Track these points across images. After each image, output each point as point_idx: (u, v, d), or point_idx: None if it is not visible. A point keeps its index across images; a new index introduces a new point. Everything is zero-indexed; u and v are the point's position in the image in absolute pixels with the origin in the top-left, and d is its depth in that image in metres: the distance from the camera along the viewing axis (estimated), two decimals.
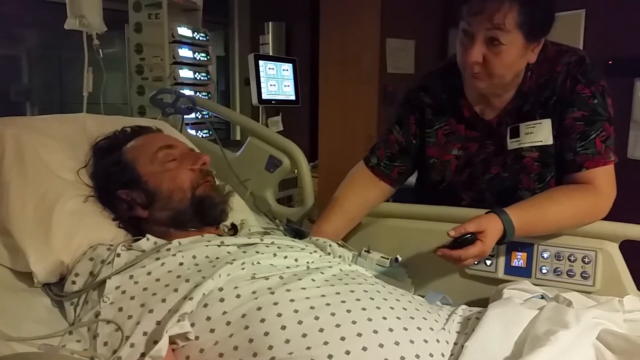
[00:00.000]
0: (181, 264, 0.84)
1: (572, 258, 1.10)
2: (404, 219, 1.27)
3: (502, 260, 1.14)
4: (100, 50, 1.83)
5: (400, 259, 1.16)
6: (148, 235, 0.92)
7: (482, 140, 1.18)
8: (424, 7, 3.08)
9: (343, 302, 0.76)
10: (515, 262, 1.14)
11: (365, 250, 1.21)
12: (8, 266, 0.87)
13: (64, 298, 0.84)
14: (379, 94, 3.01)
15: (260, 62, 2.85)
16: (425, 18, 3.11)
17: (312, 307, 0.74)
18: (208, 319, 0.75)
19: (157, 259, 0.84)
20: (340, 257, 1.05)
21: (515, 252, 1.14)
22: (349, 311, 0.74)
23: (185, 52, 2.29)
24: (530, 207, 1.05)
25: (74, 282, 0.85)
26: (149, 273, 0.82)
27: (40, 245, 0.86)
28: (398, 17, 2.98)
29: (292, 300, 0.75)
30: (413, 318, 0.76)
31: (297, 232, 1.29)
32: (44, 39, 3.84)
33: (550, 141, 1.11)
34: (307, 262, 0.90)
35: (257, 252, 0.90)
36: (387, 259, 1.17)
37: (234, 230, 1.09)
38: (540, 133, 1.11)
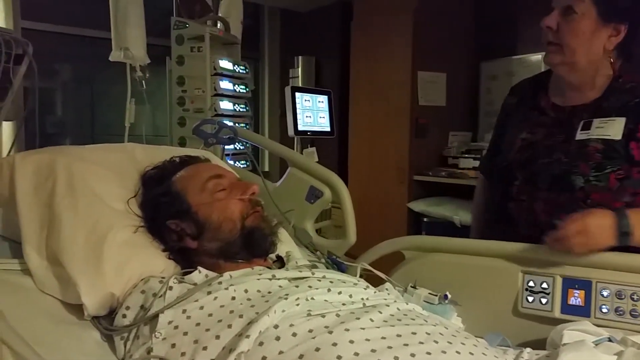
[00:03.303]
0: (233, 298, 0.81)
1: (635, 297, 1.03)
2: (453, 253, 1.23)
3: (558, 298, 1.09)
4: (143, 82, 1.86)
5: (449, 296, 1.12)
6: (199, 268, 0.89)
7: (552, 128, 1.22)
8: (456, 40, 3.09)
9: (405, 345, 0.72)
10: (572, 301, 1.08)
11: (411, 286, 1.17)
12: (59, 297, 0.85)
13: (114, 332, 0.82)
14: (410, 126, 3.00)
15: (297, 94, 2.88)
16: (457, 51, 3.13)
17: (373, 350, 0.70)
18: (264, 358, 0.71)
19: (209, 292, 0.82)
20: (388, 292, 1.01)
21: (571, 289, 1.08)
22: (412, 355, 0.70)
23: (225, 85, 2.32)
24: None
25: (124, 316, 0.83)
26: (201, 307, 0.79)
27: (91, 277, 0.84)
28: (429, 50, 3.00)
29: (351, 342, 0.72)
30: None
31: (338, 265, 1.26)
32: (77, 72, 3.97)
33: (618, 137, 1.12)
34: (362, 299, 0.87)
35: (310, 286, 0.87)
36: (435, 295, 1.13)
37: (280, 262, 1.06)
38: (611, 129, 1.13)
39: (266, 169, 4.11)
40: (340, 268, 1.24)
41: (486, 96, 3.21)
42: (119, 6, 1.89)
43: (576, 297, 1.08)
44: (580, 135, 1.16)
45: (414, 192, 3.04)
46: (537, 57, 2.83)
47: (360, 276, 1.16)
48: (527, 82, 1.36)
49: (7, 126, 1.80)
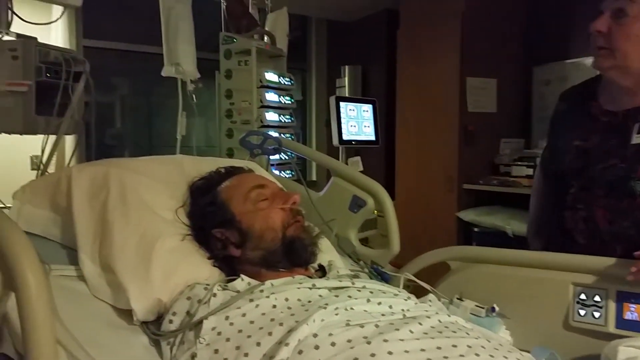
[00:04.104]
0: (274, 306, 0.83)
1: None
2: (500, 265, 1.19)
3: (612, 312, 1.04)
4: (194, 95, 1.93)
5: (497, 308, 1.09)
6: (242, 276, 0.92)
7: (606, 133, 1.18)
8: (506, 45, 3.02)
9: (445, 357, 0.71)
10: (628, 315, 1.03)
11: (457, 298, 1.15)
12: (110, 303, 0.89)
13: (161, 337, 0.85)
14: (459, 133, 2.94)
15: (341, 104, 2.90)
16: (507, 56, 3.05)
17: None
18: None
19: (251, 300, 0.83)
20: (430, 303, 1.00)
21: (627, 303, 1.03)
22: None
23: (271, 96, 2.37)
24: None
25: (171, 321, 0.86)
26: (243, 315, 0.81)
27: (140, 283, 0.88)
28: (478, 56, 2.94)
29: (390, 353, 0.71)
30: None
31: (382, 275, 1.25)
32: (135, 87, 4.16)
33: None
34: (403, 310, 0.86)
35: (350, 296, 0.87)
36: (482, 308, 1.10)
37: (322, 271, 1.07)
38: None
39: (313, 178, 4.14)
40: (384, 278, 1.23)
41: (539, 102, 3.11)
42: (170, 24, 1.98)
43: (632, 312, 1.03)
44: (636, 139, 1.12)
45: (463, 201, 2.97)
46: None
47: (406, 287, 1.15)
48: (576, 88, 1.33)
49: (70, 139, 1.92)
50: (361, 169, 2.82)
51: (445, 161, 3.02)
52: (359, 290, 0.90)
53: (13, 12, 1.32)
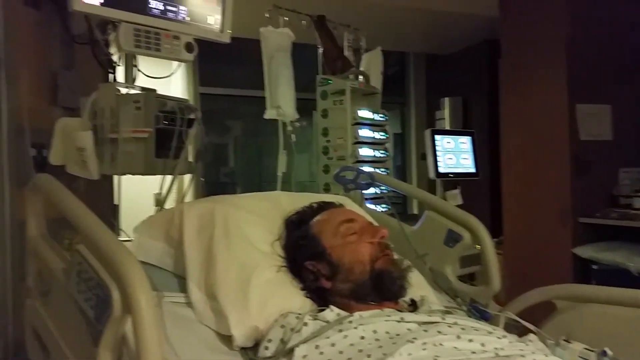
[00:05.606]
0: (362, 337, 0.84)
1: None
2: (613, 305, 1.10)
3: None
4: (292, 135, 2.05)
5: (609, 352, 1.00)
6: (332, 307, 0.95)
7: None
8: (617, 69, 2.81)
9: None
10: None
11: (564, 340, 1.07)
12: (213, 328, 0.97)
13: None
14: (570, 163, 2.76)
15: (437, 137, 2.89)
16: (621, 80, 2.83)
17: None
18: None
19: (340, 330, 0.86)
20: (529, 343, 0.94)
21: None
22: None
23: (365, 132, 2.43)
24: None
25: (266, 348, 0.91)
26: (332, 344, 0.84)
27: (239, 311, 0.95)
28: (587, 82, 2.76)
29: None
30: None
31: (481, 313, 1.21)
32: (246, 128, 4.47)
33: None
34: (496, 348, 0.83)
35: (439, 332, 0.86)
36: (592, 351, 1.02)
37: (413, 306, 1.07)
38: None
39: (415, 211, 4.09)
40: (484, 317, 1.19)
41: None
42: (272, 70, 2.15)
43: None
44: None
45: (580, 236, 2.75)
46: None
47: (513, 327, 1.10)
48: None
49: (188, 178, 2.12)
50: (460, 202, 2.74)
51: (556, 193, 2.83)
52: (450, 326, 0.88)
53: (138, 69, 1.52)
